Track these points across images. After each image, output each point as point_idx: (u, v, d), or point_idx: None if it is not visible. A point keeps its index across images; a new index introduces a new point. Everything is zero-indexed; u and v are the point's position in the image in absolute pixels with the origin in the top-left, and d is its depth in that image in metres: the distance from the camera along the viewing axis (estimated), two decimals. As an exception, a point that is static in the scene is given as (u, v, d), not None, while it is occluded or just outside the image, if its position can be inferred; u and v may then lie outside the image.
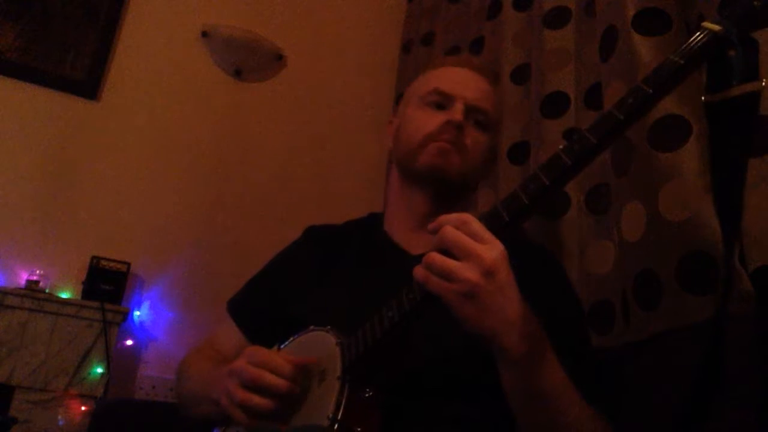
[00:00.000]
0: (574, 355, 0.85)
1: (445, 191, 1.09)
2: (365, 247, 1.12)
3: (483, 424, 0.90)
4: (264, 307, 1.15)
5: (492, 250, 0.70)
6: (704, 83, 0.68)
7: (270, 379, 0.83)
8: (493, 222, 0.74)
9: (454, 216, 0.73)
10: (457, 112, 1.06)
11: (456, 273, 0.69)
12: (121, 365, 2.05)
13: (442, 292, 0.70)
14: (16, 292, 1.89)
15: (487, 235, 0.71)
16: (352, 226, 1.21)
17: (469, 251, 0.69)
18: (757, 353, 0.86)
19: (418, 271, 0.73)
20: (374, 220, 1.19)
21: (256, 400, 0.84)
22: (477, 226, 0.71)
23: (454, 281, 0.69)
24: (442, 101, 1.10)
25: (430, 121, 1.07)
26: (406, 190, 1.12)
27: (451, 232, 0.71)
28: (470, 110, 1.08)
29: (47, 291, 1.98)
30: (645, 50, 1.20)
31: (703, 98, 0.65)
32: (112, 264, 2.04)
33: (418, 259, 1.03)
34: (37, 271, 1.99)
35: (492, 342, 0.71)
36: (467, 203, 1.15)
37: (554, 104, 1.52)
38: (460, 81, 1.11)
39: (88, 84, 2.24)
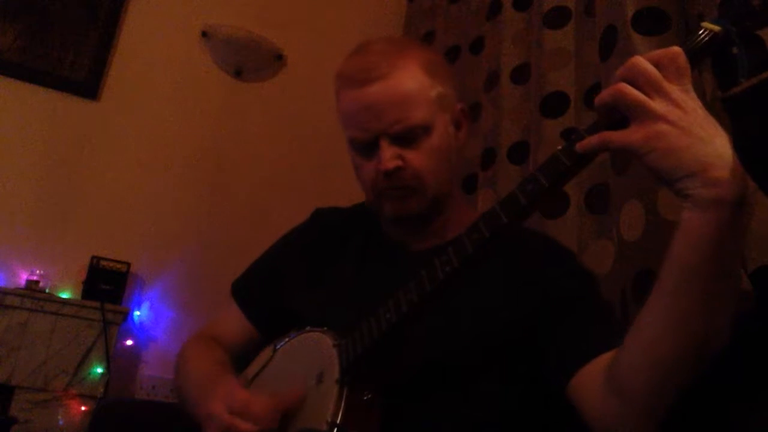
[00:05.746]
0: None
1: (421, 219, 1.03)
2: (366, 243, 1.10)
3: (483, 425, 0.90)
4: (267, 293, 1.13)
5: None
6: (714, 81, 0.67)
7: (245, 428, 0.82)
8: (492, 222, 0.74)
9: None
10: (384, 158, 0.94)
11: (668, 89, 0.62)
12: (121, 365, 2.06)
13: (647, 106, 0.61)
14: (16, 292, 1.90)
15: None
16: (359, 211, 1.16)
17: (661, 87, 0.62)
18: (756, 353, 0.86)
19: (612, 88, 0.63)
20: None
21: None
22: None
23: (662, 95, 0.62)
24: (363, 147, 0.98)
25: (366, 172, 0.99)
26: None
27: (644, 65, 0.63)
28: (396, 139, 0.95)
29: (47, 291, 1.98)
30: (645, 50, 1.19)
31: (719, 93, 0.64)
32: (112, 264, 2.05)
33: (419, 255, 1.02)
34: (37, 271, 1.99)
35: (698, 175, 0.61)
36: (451, 201, 1.07)
37: (554, 104, 1.52)
38: (368, 113, 0.95)
39: (88, 84, 2.25)
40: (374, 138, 0.95)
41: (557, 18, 1.59)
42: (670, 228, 1.08)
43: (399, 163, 0.94)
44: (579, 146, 0.66)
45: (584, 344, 0.85)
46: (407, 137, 0.95)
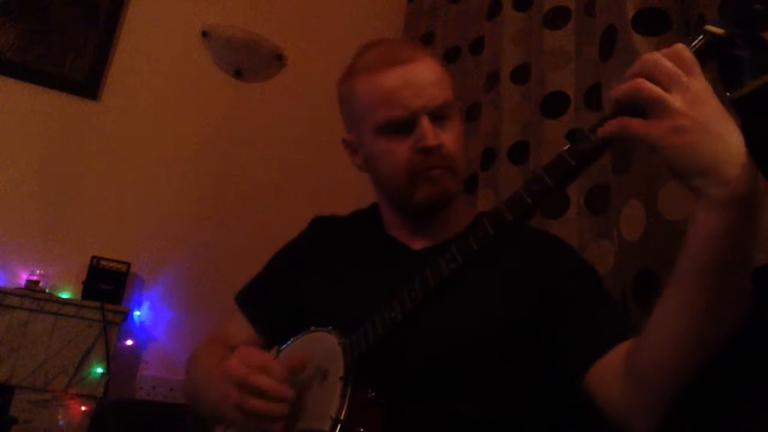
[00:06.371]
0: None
1: (430, 213, 1.04)
2: (367, 244, 1.11)
3: (485, 423, 0.90)
4: (272, 301, 1.14)
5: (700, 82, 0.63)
6: (720, 81, 0.67)
7: (262, 381, 0.82)
8: (497, 221, 0.74)
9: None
10: (426, 135, 0.94)
11: (687, 83, 0.62)
12: (121, 365, 2.05)
13: (666, 100, 0.62)
14: (16, 292, 1.89)
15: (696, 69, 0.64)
16: (358, 217, 1.18)
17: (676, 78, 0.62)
18: (756, 352, 0.86)
19: (629, 83, 0.64)
20: (376, 213, 1.15)
21: (252, 402, 0.82)
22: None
23: (681, 90, 0.62)
24: (401, 126, 0.96)
25: (402, 152, 0.96)
26: (400, 211, 1.07)
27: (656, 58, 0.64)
28: (434, 116, 0.96)
29: (47, 291, 1.98)
30: (645, 50, 1.20)
31: (728, 94, 0.64)
32: (112, 264, 2.05)
33: (419, 254, 1.03)
34: (37, 271, 1.99)
35: (711, 174, 0.61)
36: (457, 197, 1.07)
37: (554, 104, 1.52)
38: (407, 90, 0.95)
39: (88, 84, 2.25)
40: (413, 115, 0.95)
41: (557, 18, 1.59)
42: (670, 228, 1.08)
43: (439, 140, 0.95)
44: (600, 131, 0.66)
45: (598, 336, 0.86)
46: (441, 115, 0.97)
